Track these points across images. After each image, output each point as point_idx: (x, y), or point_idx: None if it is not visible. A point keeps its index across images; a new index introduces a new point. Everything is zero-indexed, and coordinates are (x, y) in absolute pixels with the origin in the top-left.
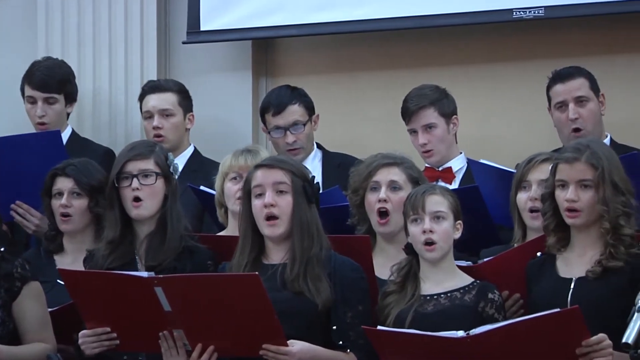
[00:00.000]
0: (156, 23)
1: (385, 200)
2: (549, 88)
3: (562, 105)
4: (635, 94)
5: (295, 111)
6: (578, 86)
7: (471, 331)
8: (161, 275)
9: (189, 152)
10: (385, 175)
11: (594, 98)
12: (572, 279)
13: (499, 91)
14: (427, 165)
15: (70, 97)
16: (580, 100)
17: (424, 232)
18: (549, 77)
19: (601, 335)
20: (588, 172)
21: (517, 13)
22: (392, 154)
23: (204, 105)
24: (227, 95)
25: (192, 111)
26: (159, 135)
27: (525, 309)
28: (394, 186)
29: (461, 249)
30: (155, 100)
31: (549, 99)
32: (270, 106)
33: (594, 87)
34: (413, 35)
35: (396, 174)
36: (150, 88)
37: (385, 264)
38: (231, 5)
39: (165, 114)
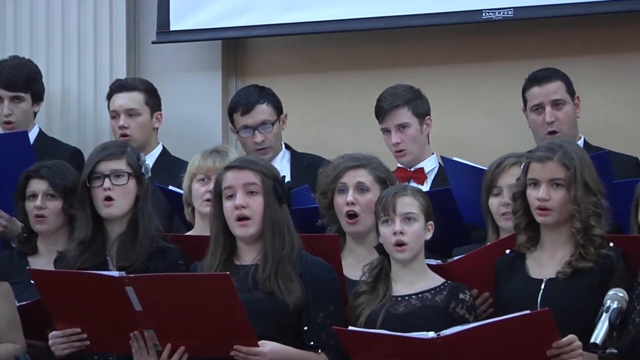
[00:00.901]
0: (125, 23)
1: (353, 203)
2: (525, 90)
3: (539, 108)
4: (605, 95)
5: (263, 111)
6: (555, 89)
7: (442, 332)
8: (132, 275)
9: (157, 151)
10: (352, 178)
11: (570, 101)
12: (542, 279)
13: (469, 92)
14: (399, 165)
15: (37, 96)
16: (556, 104)
17: (395, 233)
18: (525, 79)
19: (571, 336)
20: (560, 171)
21: (487, 14)
22: (359, 155)
23: (174, 105)
24: (196, 95)
25: (160, 110)
26: (125, 135)
27: (495, 307)
28: (361, 188)
29: (433, 250)
30: (121, 100)
31: (525, 101)
32: (238, 106)
33: (570, 90)
34: (383, 36)
35: (363, 176)
36: (117, 87)
37: (354, 265)
38: (201, 5)
39: (131, 113)
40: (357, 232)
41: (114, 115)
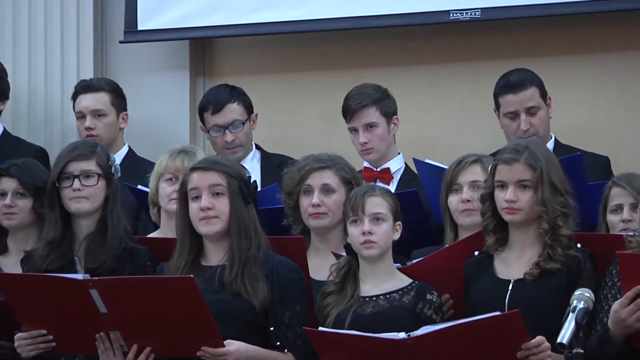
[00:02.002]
0: (93, 22)
1: (319, 205)
2: (498, 95)
3: (513, 116)
4: (575, 94)
5: (234, 110)
6: (529, 97)
7: (412, 333)
8: (96, 278)
9: (123, 151)
10: (317, 179)
11: (544, 105)
12: (510, 280)
13: (436, 92)
14: (365, 165)
15: (2, 94)
16: (531, 111)
17: (364, 233)
18: (498, 83)
19: (539, 338)
20: (527, 172)
21: (454, 15)
22: (324, 156)
23: (141, 105)
24: (164, 94)
25: (125, 110)
26: (92, 136)
27: (462, 308)
28: (326, 189)
29: (399, 250)
30: (87, 101)
31: (497, 104)
32: (209, 105)
33: (543, 94)
34: (351, 36)
35: (329, 177)
36: (82, 88)
37: (319, 264)
38: (168, 5)
39: (97, 114)
40: (322, 227)
41: (80, 116)
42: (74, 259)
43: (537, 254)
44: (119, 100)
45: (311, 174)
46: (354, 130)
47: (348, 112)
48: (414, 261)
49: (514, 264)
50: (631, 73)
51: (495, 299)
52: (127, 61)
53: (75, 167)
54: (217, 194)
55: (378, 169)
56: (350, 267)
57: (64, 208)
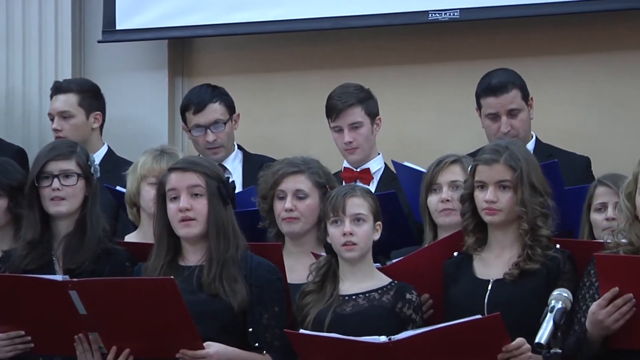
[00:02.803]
0: (71, 21)
1: (291, 210)
2: (480, 96)
3: (494, 117)
4: (554, 95)
5: (216, 110)
6: (510, 100)
7: (393, 336)
8: (75, 279)
9: (102, 151)
10: (290, 184)
11: (525, 107)
12: (489, 280)
13: (416, 92)
14: (345, 165)
15: None
16: (512, 113)
17: (344, 234)
18: (480, 83)
19: (520, 340)
20: (507, 173)
21: (433, 15)
22: (298, 160)
23: (120, 105)
24: (143, 94)
25: (99, 110)
26: (59, 137)
27: (441, 308)
28: (299, 195)
29: (378, 251)
30: (55, 102)
31: (479, 104)
32: (191, 104)
33: (525, 95)
34: (330, 36)
35: (302, 182)
36: (53, 89)
37: (293, 267)
38: (147, 4)
39: (64, 115)
40: (294, 232)
41: (50, 117)
42: (52, 259)
43: (516, 254)
44: (90, 101)
45: (284, 178)
46: (338, 129)
47: (333, 111)
48: (393, 261)
49: (493, 264)
50: (610, 73)
51: (475, 299)
52: (105, 61)
53: (55, 166)
54: (196, 194)
55: (358, 170)
56: (330, 266)
57: (43, 208)
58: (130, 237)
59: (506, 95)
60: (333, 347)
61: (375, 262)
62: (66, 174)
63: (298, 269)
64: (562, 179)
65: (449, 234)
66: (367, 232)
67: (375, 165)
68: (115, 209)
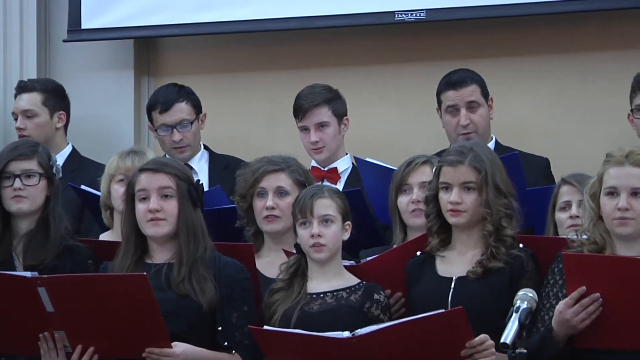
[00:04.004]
0: (36, 21)
1: (273, 207)
2: (440, 92)
3: (453, 110)
4: (516, 96)
5: (182, 109)
6: (470, 93)
7: (356, 331)
8: (45, 276)
9: (67, 151)
10: (271, 182)
11: (485, 103)
12: (452, 278)
13: (382, 93)
14: (313, 164)
15: None
16: (471, 106)
17: (313, 236)
18: (440, 81)
19: (483, 335)
20: (471, 175)
21: (399, 15)
22: (277, 158)
23: (86, 104)
24: (108, 94)
25: (63, 110)
26: (23, 136)
27: (406, 308)
28: (280, 192)
29: (345, 249)
30: (19, 101)
31: (439, 102)
32: (157, 104)
33: (484, 93)
34: (296, 36)
35: (282, 180)
36: (18, 88)
37: (273, 263)
38: (113, 4)
39: (28, 114)
40: (275, 231)
41: (14, 117)
42: (12, 255)
43: (480, 252)
44: (54, 100)
45: (265, 176)
46: (304, 129)
47: (300, 111)
48: (362, 261)
49: (455, 262)
50: (570, 74)
51: (438, 298)
52: (71, 60)
53: (16, 166)
54: (166, 196)
55: (325, 169)
56: (299, 265)
57: (4, 207)
58: (103, 238)
59: (465, 89)
60: (297, 343)
61: (345, 260)
62: (28, 174)
63: (278, 264)
64: (523, 172)
65: (419, 235)
66: (336, 232)
67: (343, 165)
68: (79, 209)
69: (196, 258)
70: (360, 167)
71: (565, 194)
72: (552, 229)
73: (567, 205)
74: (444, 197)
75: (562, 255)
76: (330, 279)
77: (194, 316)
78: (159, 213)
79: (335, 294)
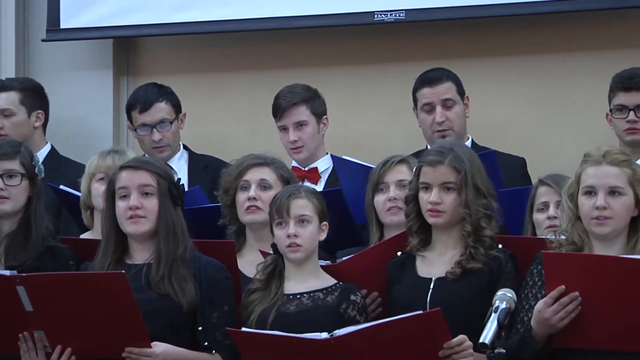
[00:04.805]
0: (15, 20)
1: (255, 199)
2: (415, 90)
3: (429, 108)
4: (493, 96)
5: (162, 109)
6: (445, 90)
7: (334, 332)
8: (24, 274)
9: (45, 150)
10: (255, 175)
11: (460, 101)
12: (431, 278)
13: (361, 93)
14: (293, 164)
15: None
16: (447, 104)
17: (289, 236)
18: (416, 80)
19: (461, 336)
20: (451, 175)
21: (379, 16)
22: (263, 155)
23: (64, 104)
24: (87, 94)
25: (41, 109)
26: (0, 136)
27: (385, 308)
28: (264, 185)
29: (323, 250)
30: None
31: (415, 100)
32: (137, 103)
33: (460, 91)
34: (276, 36)
35: (266, 174)
36: None
37: (254, 261)
38: (92, 3)
39: (5, 113)
40: (256, 222)
41: None
42: None
43: (459, 253)
44: (32, 99)
45: (249, 169)
46: (283, 128)
47: (278, 110)
48: (338, 261)
49: (435, 263)
50: (547, 75)
51: (417, 298)
52: (49, 60)
53: None
54: (147, 194)
55: (306, 169)
56: (276, 265)
57: None
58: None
59: (441, 86)
60: (274, 344)
61: (322, 259)
62: (10, 174)
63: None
64: (499, 169)
65: (395, 234)
66: (312, 233)
67: (323, 165)
68: (57, 208)
69: (176, 257)
70: (337, 164)
71: (543, 194)
72: (530, 230)
73: (545, 206)
74: (424, 197)
75: (541, 256)
76: (307, 280)
77: (174, 316)
78: (139, 210)
79: (311, 294)
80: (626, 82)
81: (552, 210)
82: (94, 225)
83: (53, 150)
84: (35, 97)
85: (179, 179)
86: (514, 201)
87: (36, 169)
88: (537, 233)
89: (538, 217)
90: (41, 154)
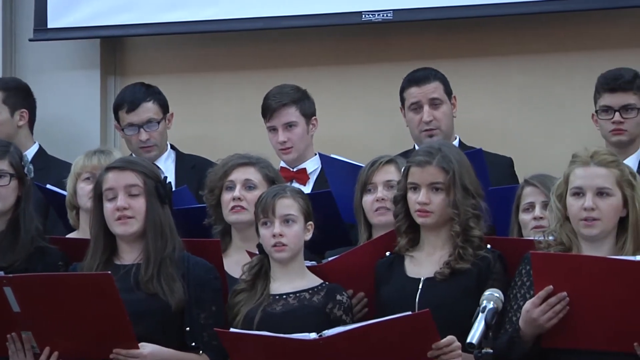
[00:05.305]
0: (2, 19)
1: (239, 199)
2: (403, 89)
3: (417, 107)
4: (480, 96)
5: (149, 109)
6: (433, 89)
7: (323, 333)
8: (10, 275)
9: (33, 150)
10: (240, 175)
11: (447, 101)
12: (420, 279)
13: (349, 93)
14: (282, 165)
15: None
16: (434, 103)
17: (274, 235)
18: (404, 79)
19: (450, 337)
20: (439, 175)
21: (366, 16)
22: (249, 155)
23: (52, 104)
24: (75, 93)
25: (25, 108)
26: None
27: (373, 308)
28: (249, 185)
29: (313, 250)
30: None
31: (402, 100)
32: (124, 103)
33: (447, 90)
34: (263, 36)
35: (251, 174)
36: None
37: (239, 261)
38: (79, 3)
39: None
40: (241, 222)
41: None
42: None
43: (447, 253)
44: (15, 99)
45: (234, 169)
46: (273, 129)
47: (268, 110)
48: (324, 261)
49: (424, 263)
50: (534, 75)
51: (406, 298)
52: (37, 59)
53: None
54: (133, 194)
55: (295, 170)
56: (262, 266)
57: None
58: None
59: (428, 85)
60: (263, 344)
61: (310, 260)
62: None
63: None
64: (486, 168)
65: (381, 234)
66: (298, 232)
67: (312, 166)
68: (44, 208)
69: (164, 256)
70: (324, 163)
71: (529, 195)
72: (516, 230)
73: (531, 207)
74: (412, 198)
75: (529, 256)
76: (293, 280)
77: (162, 316)
78: (127, 211)
79: (297, 295)
80: (611, 82)
81: (537, 211)
82: (79, 225)
83: (41, 149)
84: (18, 96)
85: (166, 177)
86: (502, 200)
87: (25, 169)
88: (523, 233)
89: (524, 217)
90: (29, 154)
